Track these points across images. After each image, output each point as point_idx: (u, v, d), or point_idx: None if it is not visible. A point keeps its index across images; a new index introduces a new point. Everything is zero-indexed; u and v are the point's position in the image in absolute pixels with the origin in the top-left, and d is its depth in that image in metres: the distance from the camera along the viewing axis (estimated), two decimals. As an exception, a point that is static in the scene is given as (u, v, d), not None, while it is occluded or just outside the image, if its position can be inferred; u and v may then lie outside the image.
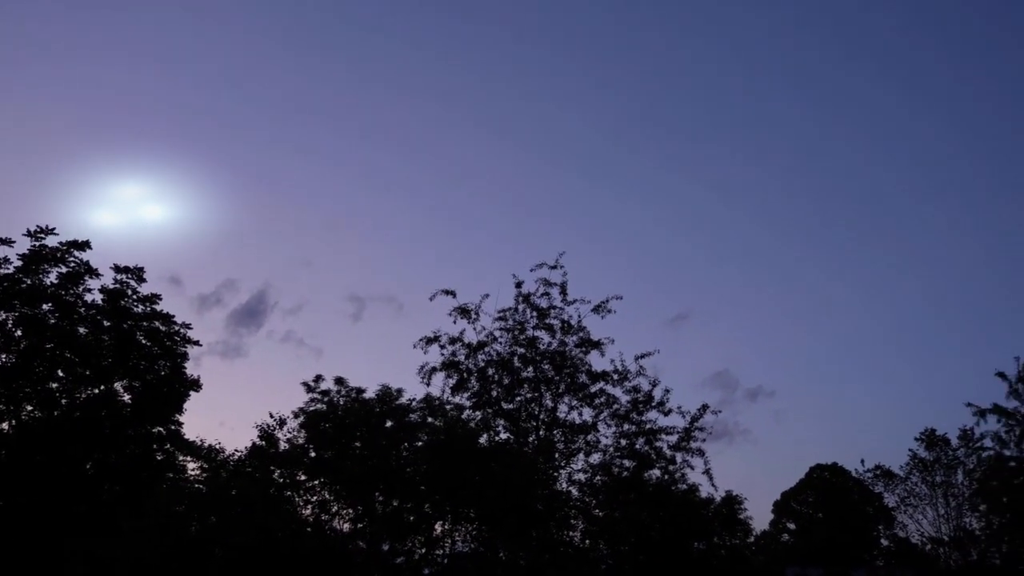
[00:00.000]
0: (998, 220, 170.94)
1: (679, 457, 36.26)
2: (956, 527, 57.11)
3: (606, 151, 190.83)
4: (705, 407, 36.36)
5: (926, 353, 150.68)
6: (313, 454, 34.95)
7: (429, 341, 37.81)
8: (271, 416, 35.62)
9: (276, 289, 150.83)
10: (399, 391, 36.57)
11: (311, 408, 35.79)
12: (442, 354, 37.72)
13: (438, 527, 34.55)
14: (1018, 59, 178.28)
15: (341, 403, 35.98)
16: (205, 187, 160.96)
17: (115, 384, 33.94)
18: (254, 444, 35.00)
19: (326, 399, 36.07)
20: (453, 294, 38.08)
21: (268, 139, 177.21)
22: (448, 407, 36.62)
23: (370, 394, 36.50)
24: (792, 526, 72.77)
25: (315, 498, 34.62)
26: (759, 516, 70.69)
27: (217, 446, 34.91)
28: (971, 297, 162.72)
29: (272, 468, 34.21)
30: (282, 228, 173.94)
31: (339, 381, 36.46)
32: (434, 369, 37.31)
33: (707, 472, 35.87)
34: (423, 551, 34.42)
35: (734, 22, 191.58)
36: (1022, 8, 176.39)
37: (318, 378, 36.43)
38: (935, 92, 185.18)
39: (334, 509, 34.68)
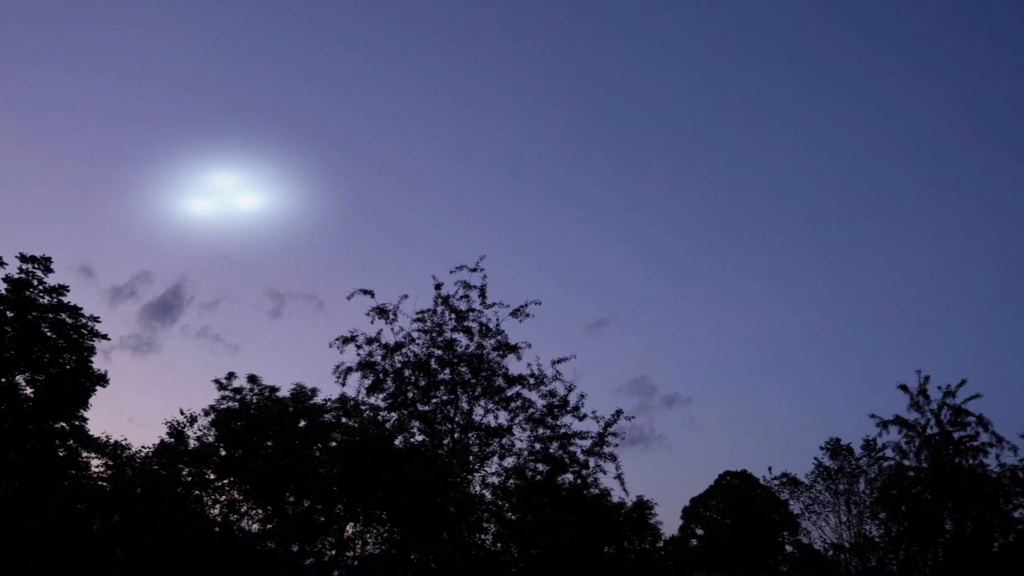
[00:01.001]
0: (919, 233, 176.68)
1: (592, 462, 36.83)
2: (857, 534, 58.97)
3: (529, 156, 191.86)
4: (619, 412, 37.03)
5: (837, 363, 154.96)
6: (223, 453, 34.30)
7: (346, 341, 37.63)
8: (181, 413, 34.87)
9: (193, 283, 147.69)
10: (314, 390, 36.18)
11: (222, 406, 35.13)
12: (359, 354, 37.61)
13: (349, 528, 34.23)
14: (944, 67, 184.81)
15: (254, 402, 35.39)
16: (119, 175, 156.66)
17: (16, 377, 32.91)
18: (162, 441, 34.20)
19: (238, 397, 35.45)
20: (372, 294, 38.02)
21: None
22: (363, 408, 36.40)
23: (284, 393, 36.01)
24: (701, 531, 74.16)
25: (224, 497, 33.96)
26: (671, 521, 72.25)
27: (124, 442, 34.09)
28: (885, 309, 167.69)
29: (180, 466, 33.47)
30: (200, 220, 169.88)
31: (252, 379, 35.86)
32: (350, 369, 37.19)
33: (619, 477, 36.50)
34: (333, 552, 34.04)
35: (654, 28, 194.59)
36: (937, 16, 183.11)
37: (230, 375, 35.79)
38: (862, 99, 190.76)
39: (243, 509, 34.07)
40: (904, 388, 51.80)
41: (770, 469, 67.39)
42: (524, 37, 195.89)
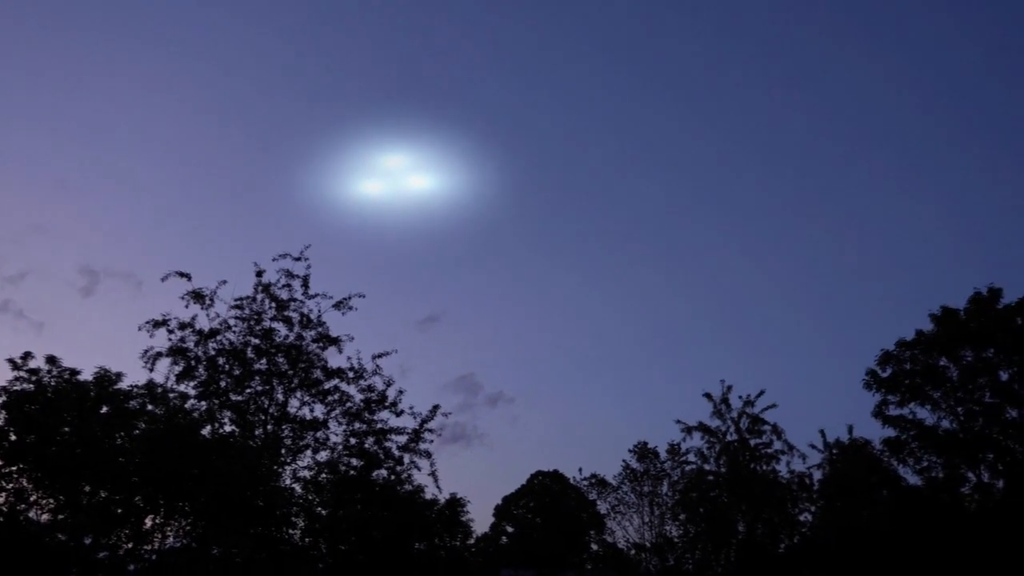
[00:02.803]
0: (744, 237, 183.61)
1: (407, 458, 36.85)
2: (658, 534, 61.74)
3: (355, 149, 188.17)
4: (436, 408, 37.19)
5: (653, 366, 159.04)
6: (14, 438, 32.24)
7: (157, 324, 35.99)
8: (-34, 395, 32.47)
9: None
10: (119, 375, 34.50)
11: (15, 388, 32.98)
12: (170, 339, 36.05)
13: (149, 521, 32.90)
14: (799, 62, 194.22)
15: (52, 384, 33.41)
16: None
17: None
18: (-57, 424, 31.80)
19: (34, 379, 33.38)
20: (188, 277, 36.54)
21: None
22: (172, 395, 35.08)
23: (87, 376, 34.21)
24: (511, 529, 75.47)
25: (11, 485, 31.97)
26: (487, 519, 73.51)
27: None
28: (703, 315, 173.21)
29: (-38, 452, 31.24)
30: (6, 186, 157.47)
31: (51, 360, 33.82)
32: (160, 354, 35.59)
33: (433, 474, 36.68)
34: (130, 545, 32.62)
35: (477, 21, 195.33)
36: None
37: (26, 355, 33.56)
38: (692, 98, 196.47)
39: (33, 498, 32.19)
40: (708, 396, 54.63)
41: (580, 470, 69.59)
42: (352, 22, 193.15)
